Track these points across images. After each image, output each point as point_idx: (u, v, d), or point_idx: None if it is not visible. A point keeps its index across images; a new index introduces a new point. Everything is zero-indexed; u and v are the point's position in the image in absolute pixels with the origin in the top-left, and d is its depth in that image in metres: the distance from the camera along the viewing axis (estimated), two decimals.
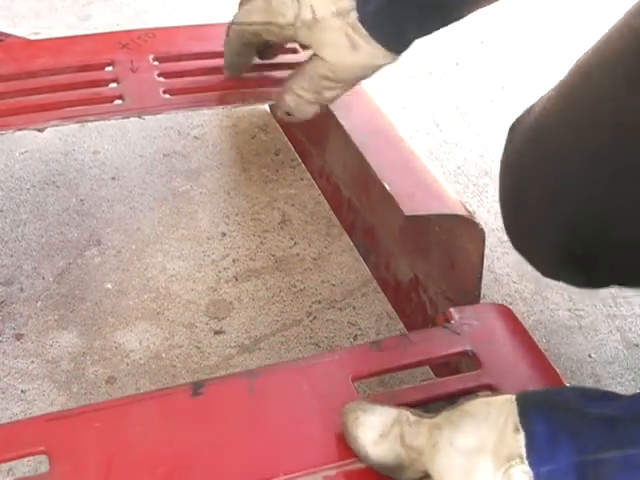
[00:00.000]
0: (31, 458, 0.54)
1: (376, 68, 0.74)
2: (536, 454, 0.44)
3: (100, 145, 1.04)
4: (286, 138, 1.06)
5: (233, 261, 0.90)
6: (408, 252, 0.82)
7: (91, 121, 0.78)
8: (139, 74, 0.82)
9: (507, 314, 0.64)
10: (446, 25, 0.74)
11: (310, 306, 0.85)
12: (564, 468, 0.43)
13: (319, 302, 0.86)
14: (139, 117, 0.79)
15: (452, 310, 0.63)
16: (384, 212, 0.83)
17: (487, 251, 0.90)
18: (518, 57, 1.26)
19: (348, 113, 0.82)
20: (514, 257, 0.92)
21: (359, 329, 0.84)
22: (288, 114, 0.76)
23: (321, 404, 0.55)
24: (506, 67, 1.24)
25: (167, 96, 0.80)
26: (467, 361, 0.60)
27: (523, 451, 0.44)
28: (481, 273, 0.69)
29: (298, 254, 0.91)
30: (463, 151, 1.08)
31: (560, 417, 0.45)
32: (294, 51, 0.88)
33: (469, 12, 0.75)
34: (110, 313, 0.83)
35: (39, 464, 0.64)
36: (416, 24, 0.71)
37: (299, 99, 0.74)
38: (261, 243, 0.92)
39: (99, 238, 0.91)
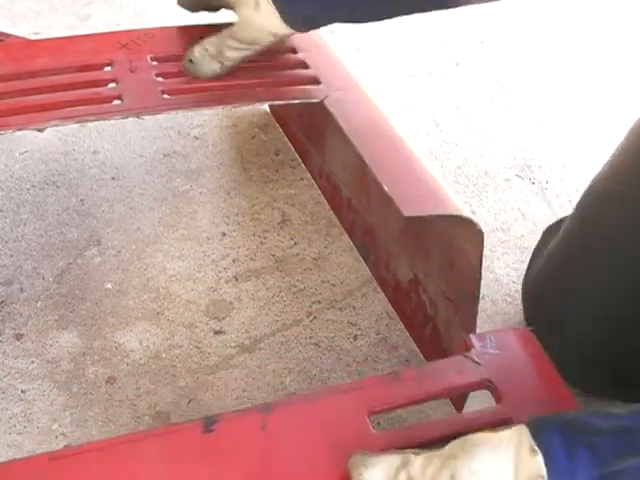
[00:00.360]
0: None
1: (273, 36, 0.78)
2: (556, 474, 0.44)
3: (100, 145, 1.04)
4: (286, 138, 1.06)
5: (233, 261, 0.90)
6: (408, 252, 0.82)
7: (91, 121, 0.78)
8: (138, 74, 0.82)
9: (529, 341, 0.62)
10: (354, 19, 0.77)
11: (310, 306, 0.85)
12: None
13: (319, 302, 0.86)
14: (138, 117, 0.79)
15: (472, 337, 0.61)
16: (383, 213, 0.83)
17: (487, 251, 0.90)
18: (518, 57, 1.26)
19: (346, 112, 0.81)
20: (514, 257, 0.92)
21: (359, 329, 0.83)
22: (191, 61, 0.81)
23: (335, 443, 0.53)
24: (506, 67, 1.24)
25: (166, 96, 0.80)
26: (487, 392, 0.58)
27: (544, 472, 0.44)
28: (480, 273, 0.69)
29: (298, 254, 0.91)
30: (463, 151, 1.08)
31: (574, 433, 0.45)
32: (293, 51, 0.88)
33: (372, 15, 0.77)
34: (110, 313, 0.83)
35: None
36: (316, 6, 0.74)
37: (204, 52, 0.80)
38: (261, 243, 0.92)
39: (99, 238, 0.91)
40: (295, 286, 0.87)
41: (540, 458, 0.44)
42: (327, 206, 0.97)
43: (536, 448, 0.45)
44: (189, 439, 0.53)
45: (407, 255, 0.82)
